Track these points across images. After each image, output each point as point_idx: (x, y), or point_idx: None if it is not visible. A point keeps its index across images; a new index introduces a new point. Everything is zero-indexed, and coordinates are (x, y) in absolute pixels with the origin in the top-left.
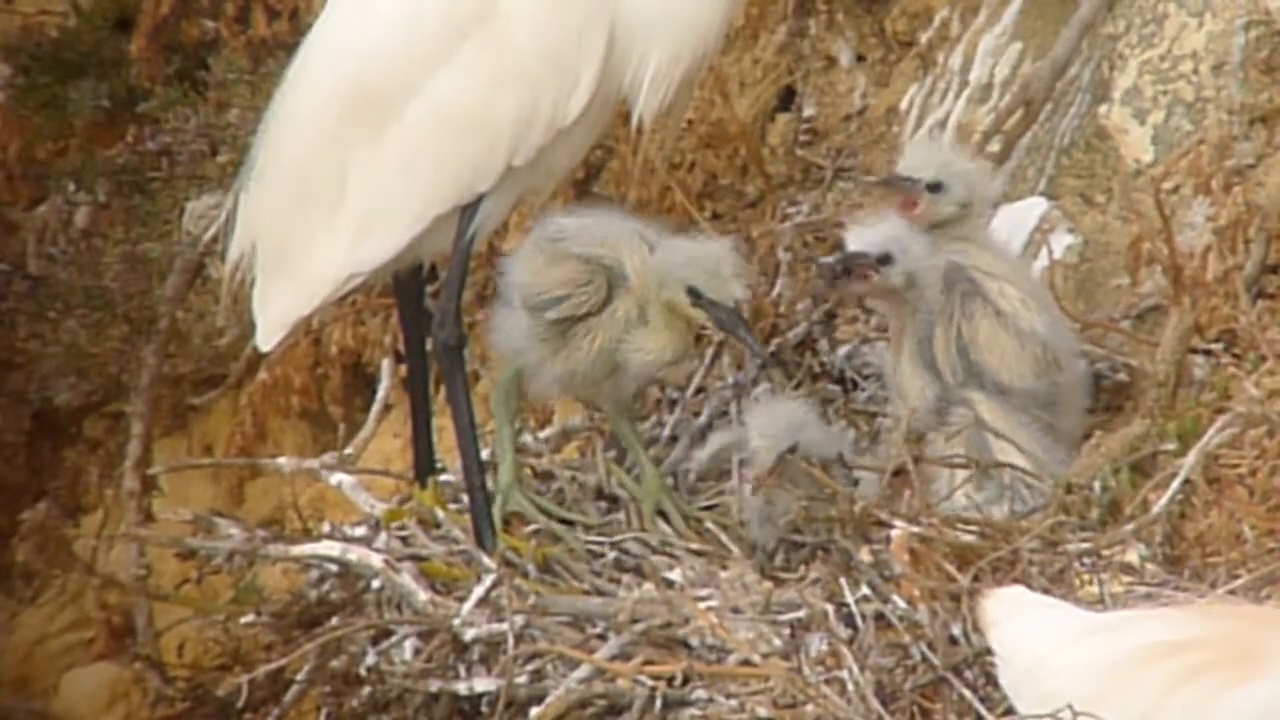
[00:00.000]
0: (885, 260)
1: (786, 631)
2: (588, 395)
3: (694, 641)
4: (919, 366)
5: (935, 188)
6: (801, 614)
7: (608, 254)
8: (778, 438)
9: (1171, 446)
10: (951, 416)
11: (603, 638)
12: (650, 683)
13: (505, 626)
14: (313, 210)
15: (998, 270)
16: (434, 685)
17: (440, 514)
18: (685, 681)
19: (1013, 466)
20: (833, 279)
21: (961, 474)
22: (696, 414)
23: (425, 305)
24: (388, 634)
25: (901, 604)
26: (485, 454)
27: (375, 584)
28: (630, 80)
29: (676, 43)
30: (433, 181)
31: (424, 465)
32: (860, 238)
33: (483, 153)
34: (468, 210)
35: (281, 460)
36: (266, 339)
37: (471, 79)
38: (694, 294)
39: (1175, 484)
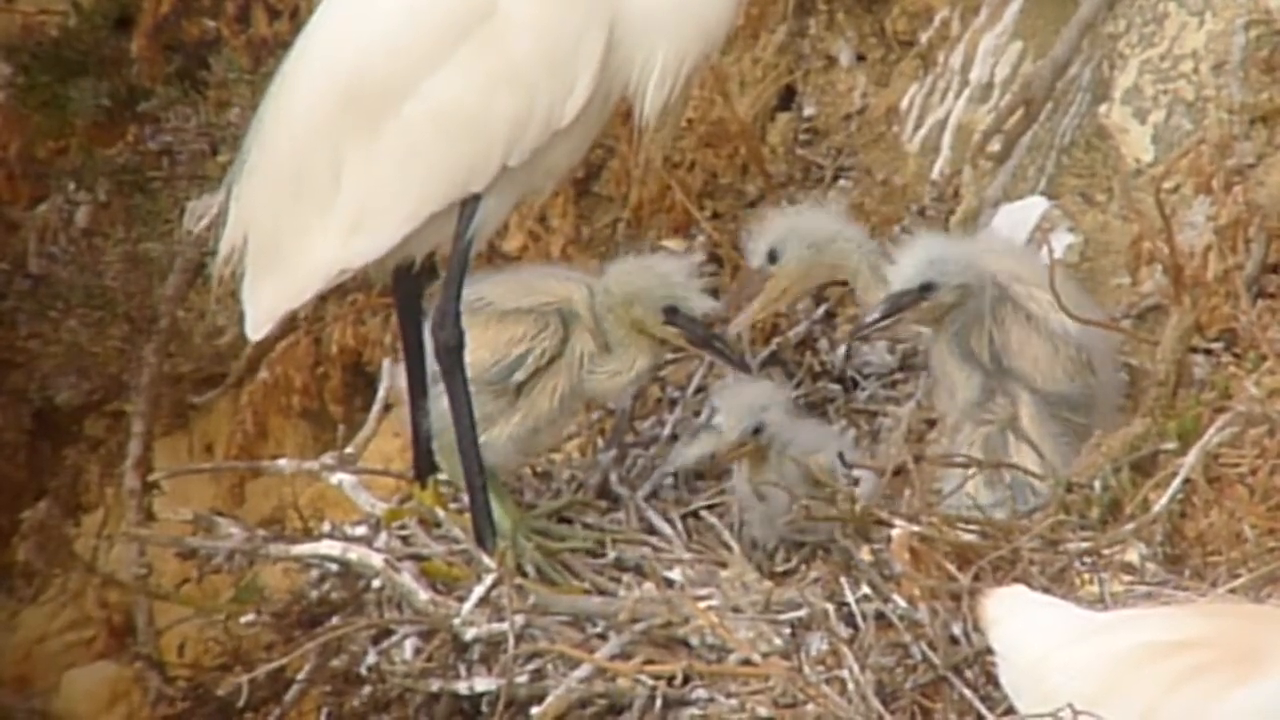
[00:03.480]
0: (928, 289)
1: (787, 631)
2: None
3: (694, 641)
4: (959, 358)
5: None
6: (802, 613)
7: (551, 298)
8: (741, 417)
9: (1172, 446)
10: (992, 405)
11: (603, 637)
12: (651, 682)
13: (506, 626)
14: (306, 204)
15: (1026, 275)
16: (435, 685)
17: (440, 513)
18: (685, 681)
19: (1016, 467)
20: (875, 330)
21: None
22: (697, 413)
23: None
24: (388, 633)
25: (902, 603)
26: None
27: (376, 583)
28: (635, 79)
29: (683, 41)
30: (427, 180)
31: (424, 465)
32: (900, 275)
33: (478, 153)
34: (466, 209)
35: (282, 462)
36: (255, 329)
37: (469, 80)
38: (670, 312)
39: (1176, 483)
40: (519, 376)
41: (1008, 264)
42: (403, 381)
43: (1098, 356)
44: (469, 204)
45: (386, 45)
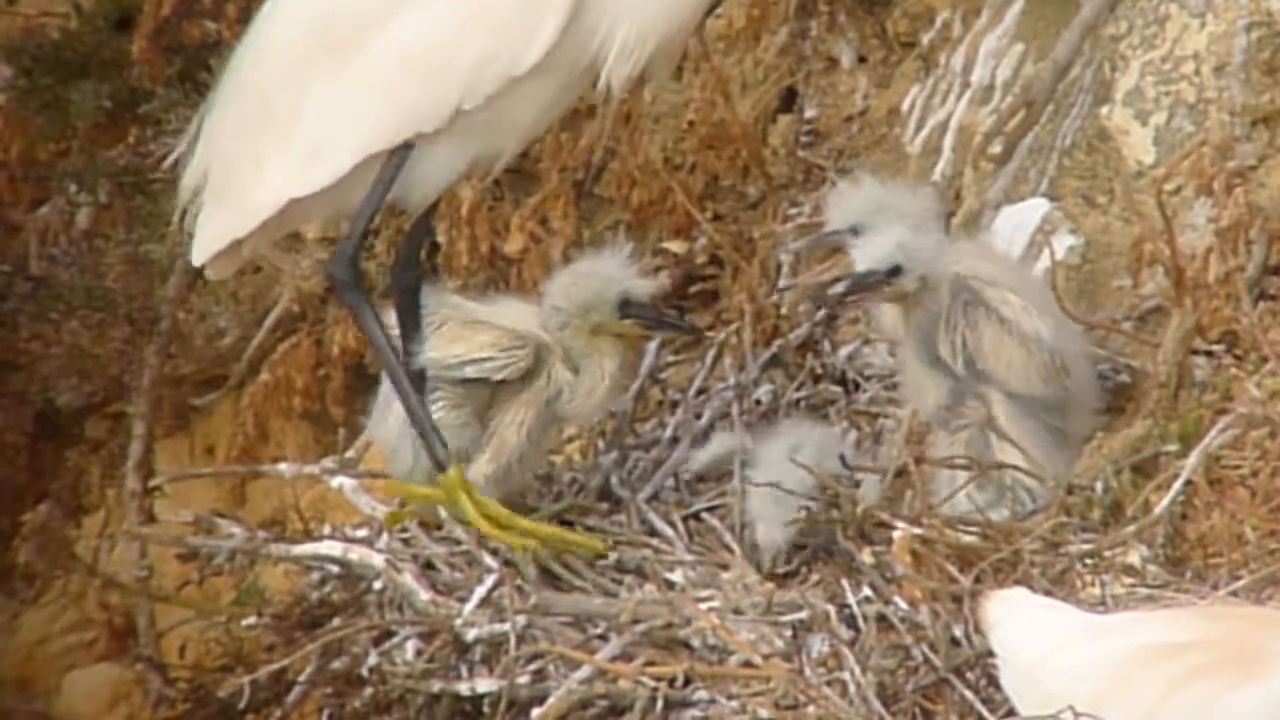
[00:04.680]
0: (895, 272)
1: (788, 633)
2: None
3: (695, 642)
4: (925, 364)
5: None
6: (803, 615)
7: (526, 328)
8: (778, 519)
9: (1173, 448)
10: (963, 408)
11: (604, 638)
12: (652, 683)
13: (507, 627)
14: (265, 132)
15: (999, 278)
16: (436, 686)
17: (459, 503)
18: (687, 682)
19: (1013, 467)
20: (838, 301)
21: (963, 474)
22: (698, 415)
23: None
24: (389, 634)
25: (903, 605)
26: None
27: (377, 585)
28: (598, 49)
29: (645, 20)
30: (382, 113)
31: (438, 453)
32: (867, 254)
33: (435, 91)
34: (397, 155)
35: (282, 466)
36: (200, 254)
37: (442, 16)
38: (625, 305)
39: (1177, 485)
40: (471, 372)
41: (981, 267)
42: (380, 433)
43: (1072, 359)
44: (395, 155)
45: None
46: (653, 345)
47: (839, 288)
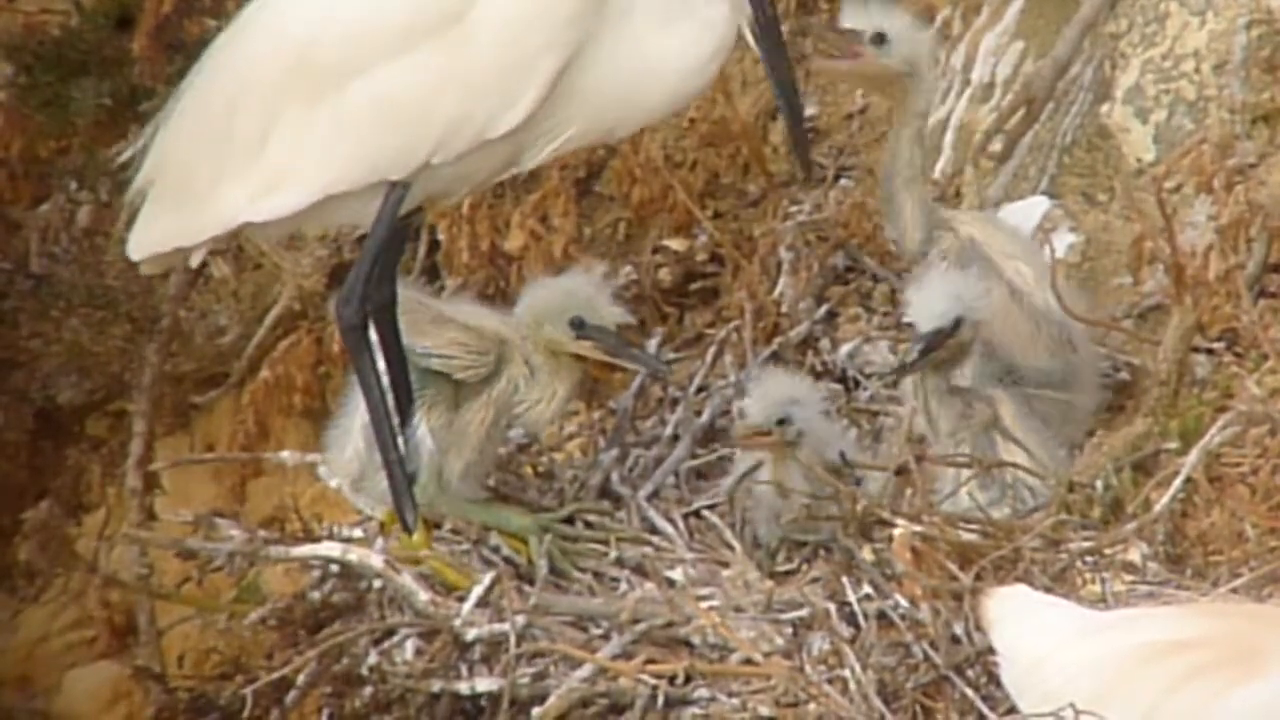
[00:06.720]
0: (958, 325)
1: (789, 630)
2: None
3: (696, 640)
4: (942, 393)
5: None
6: (804, 613)
7: (490, 325)
8: (768, 406)
9: (1173, 445)
10: (970, 410)
11: (605, 637)
12: (652, 681)
13: (507, 626)
14: (229, 152)
15: (1012, 249)
16: (436, 685)
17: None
18: (687, 680)
19: (1016, 465)
20: (920, 366)
21: (966, 472)
22: (699, 413)
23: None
24: (390, 634)
25: (904, 603)
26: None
27: (376, 584)
28: (537, 134)
29: (590, 128)
30: (350, 156)
31: (407, 514)
32: (925, 312)
33: (408, 144)
34: (393, 194)
35: (284, 454)
36: (138, 250)
37: (422, 75)
38: (577, 325)
39: (1177, 483)
40: (434, 364)
41: (996, 236)
42: (339, 466)
43: (1077, 334)
44: (395, 189)
45: (353, 22)
46: (653, 341)
47: (914, 354)
